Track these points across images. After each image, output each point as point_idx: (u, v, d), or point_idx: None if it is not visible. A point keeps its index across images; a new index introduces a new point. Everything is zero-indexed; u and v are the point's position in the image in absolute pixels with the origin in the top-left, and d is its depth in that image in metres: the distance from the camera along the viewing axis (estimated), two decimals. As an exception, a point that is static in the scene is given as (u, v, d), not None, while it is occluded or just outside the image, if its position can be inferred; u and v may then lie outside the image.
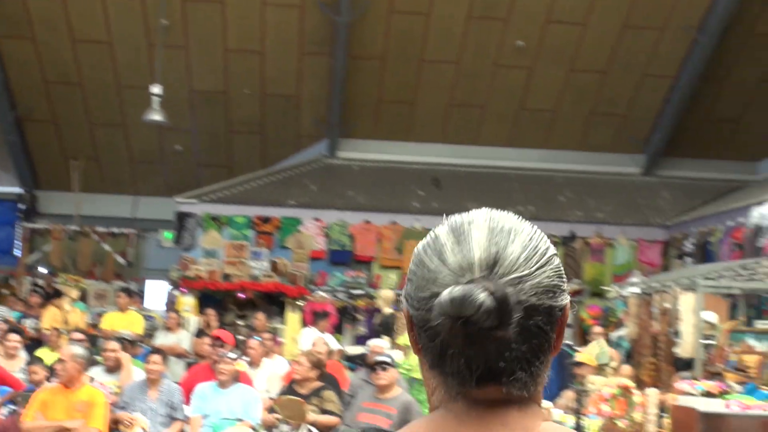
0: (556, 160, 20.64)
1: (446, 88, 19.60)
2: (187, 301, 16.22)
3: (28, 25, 18.30)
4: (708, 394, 7.34)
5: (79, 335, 11.01)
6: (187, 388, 9.62)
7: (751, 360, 8.85)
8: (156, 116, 17.23)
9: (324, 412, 8.69)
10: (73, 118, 20.19)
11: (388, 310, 15.59)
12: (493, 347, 1.29)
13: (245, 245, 17.97)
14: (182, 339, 13.61)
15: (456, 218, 1.40)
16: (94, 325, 14.47)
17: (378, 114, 20.21)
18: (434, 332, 1.31)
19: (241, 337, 12.79)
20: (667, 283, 12.17)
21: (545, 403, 9.78)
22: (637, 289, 13.03)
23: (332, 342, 12.91)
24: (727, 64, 18.75)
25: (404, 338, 13.81)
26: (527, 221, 1.46)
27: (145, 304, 19.06)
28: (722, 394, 7.44)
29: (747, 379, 8.22)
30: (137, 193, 21.72)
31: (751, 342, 9.30)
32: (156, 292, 20.49)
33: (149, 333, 14.67)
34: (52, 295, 16.22)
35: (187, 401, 9.26)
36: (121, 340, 10.26)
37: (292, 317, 16.10)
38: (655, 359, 11.53)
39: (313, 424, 8.54)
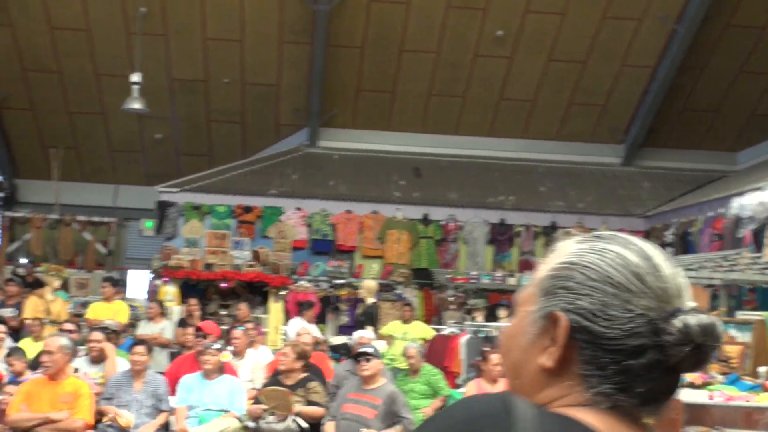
0: (536, 149, 20.72)
1: (426, 77, 19.62)
2: (169, 291, 16.18)
3: (5, 11, 18.14)
4: (691, 385, 7.40)
5: (69, 326, 10.96)
6: (172, 379, 9.61)
7: (733, 351, 8.92)
8: (136, 105, 17.18)
9: (310, 403, 8.71)
10: (52, 107, 20.07)
11: (370, 300, 15.61)
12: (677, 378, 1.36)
13: (227, 234, 17.96)
14: (165, 329, 13.57)
15: (627, 241, 1.42)
16: (77, 315, 14.41)
17: (358, 103, 20.21)
18: (635, 351, 1.32)
19: (224, 327, 12.78)
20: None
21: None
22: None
23: (316, 332, 12.95)
24: (705, 55, 18.86)
25: (387, 329, 13.87)
26: None
27: (127, 293, 18.99)
28: (705, 385, 7.50)
29: (729, 370, 8.29)
30: (118, 181, 21.65)
31: (733, 333, 9.37)
32: (137, 282, 20.44)
33: (132, 323, 14.64)
34: (31, 284, 16.12)
35: (172, 392, 9.25)
36: (105, 330, 10.22)
37: (275, 307, 16.10)
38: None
39: (298, 414, 8.56)
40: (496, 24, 18.56)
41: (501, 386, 9.49)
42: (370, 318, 14.91)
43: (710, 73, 19.33)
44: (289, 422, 8.46)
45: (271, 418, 8.48)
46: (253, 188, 18.62)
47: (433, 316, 17.38)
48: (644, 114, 19.81)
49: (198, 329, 10.55)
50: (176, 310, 15.50)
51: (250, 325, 12.15)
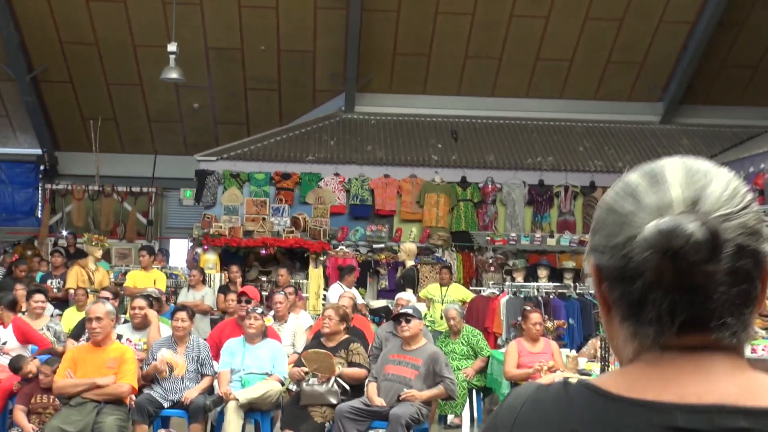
0: (574, 109, 20.57)
1: (462, 39, 19.51)
2: (210, 259, 16.29)
3: (42, -14, 18.29)
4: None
5: (107, 293, 11.07)
6: (214, 344, 9.71)
7: (775, 305, 8.85)
8: (173, 74, 17.25)
9: (351, 364, 8.76)
10: (90, 79, 20.22)
11: (410, 263, 15.65)
12: (701, 286, 1.20)
13: (266, 201, 18.04)
14: (206, 296, 13.70)
15: (645, 165, 1.33)
16: (119, 284, 14.56)
17: (394, 67, 20.15)
18: (634, 275, 1.23)
19: (264, 293, 12.84)
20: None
21: (569, 352, 9.83)
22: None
23: (357, 296, 12.98)
24: (744, 10, 18.59)
25: (426, 291, 13.91)
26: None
27: (169, 262, 19.17)
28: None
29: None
30: (156, 152, 21.80)
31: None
32: (178, 250, 20.61)
33: (173, 291, 14.77)
34: (74, 255, 16.30)
35: (215, 357, 9.35)
36: (147, 297, 10.32)
37: (315, 272, 16.16)
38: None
39: (340, 376, 8.60)
40: (531, -17, 18.42)
41: (542, 345, 9.50)
42: (410, 281, 14.95)
43: (749, 28, 19.06)
44: (331, 384, 8.50)
45: (313, 380, 8.53)
46: (291, 155, 18.66)
47: (472, 278, 17.39)
48: (682, 71, 19.59)
49: (241, 293, 10.62)
50: (217, 277, 15.62)
51: (290, 290, 12.21)
